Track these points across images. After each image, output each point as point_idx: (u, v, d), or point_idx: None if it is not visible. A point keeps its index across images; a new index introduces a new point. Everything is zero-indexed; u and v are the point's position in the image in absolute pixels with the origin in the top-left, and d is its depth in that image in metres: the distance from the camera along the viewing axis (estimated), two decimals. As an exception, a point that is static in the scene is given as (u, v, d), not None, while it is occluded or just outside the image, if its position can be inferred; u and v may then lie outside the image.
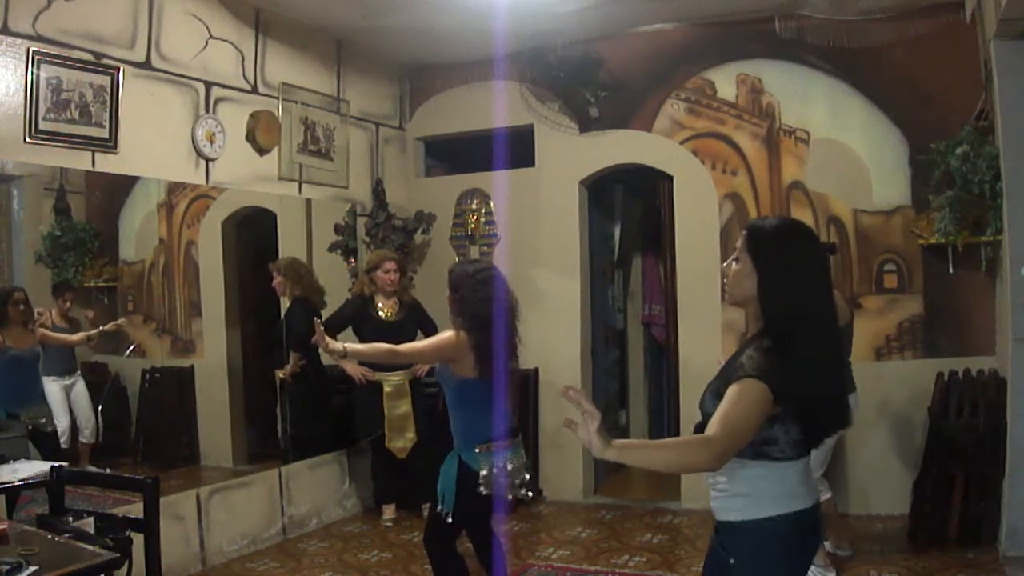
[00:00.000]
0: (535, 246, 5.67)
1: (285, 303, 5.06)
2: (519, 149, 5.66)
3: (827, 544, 3.97)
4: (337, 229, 5.49)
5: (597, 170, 5.61)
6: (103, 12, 3.91)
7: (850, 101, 4.94)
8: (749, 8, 4.97)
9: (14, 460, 3.31)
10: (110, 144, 3.89)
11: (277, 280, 5.04)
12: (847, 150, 4.95)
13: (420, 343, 3.59)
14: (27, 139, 3.58)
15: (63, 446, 4.01)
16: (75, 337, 4.17)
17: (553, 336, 5.50)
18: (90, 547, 2.36)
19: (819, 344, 1.82)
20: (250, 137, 4.70)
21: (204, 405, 4.90)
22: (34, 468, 3.20)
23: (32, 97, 3.58)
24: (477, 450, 3.07)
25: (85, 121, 3.78)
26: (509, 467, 3.09)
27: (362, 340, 4.67)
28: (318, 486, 5.15)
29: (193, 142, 4.34)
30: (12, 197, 3.94)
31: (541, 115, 5.67)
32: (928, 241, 4.64)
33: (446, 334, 3.15)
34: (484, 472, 3.05)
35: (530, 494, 3.20)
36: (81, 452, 4.18)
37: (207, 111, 4.43)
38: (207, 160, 4.43)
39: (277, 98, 4.89)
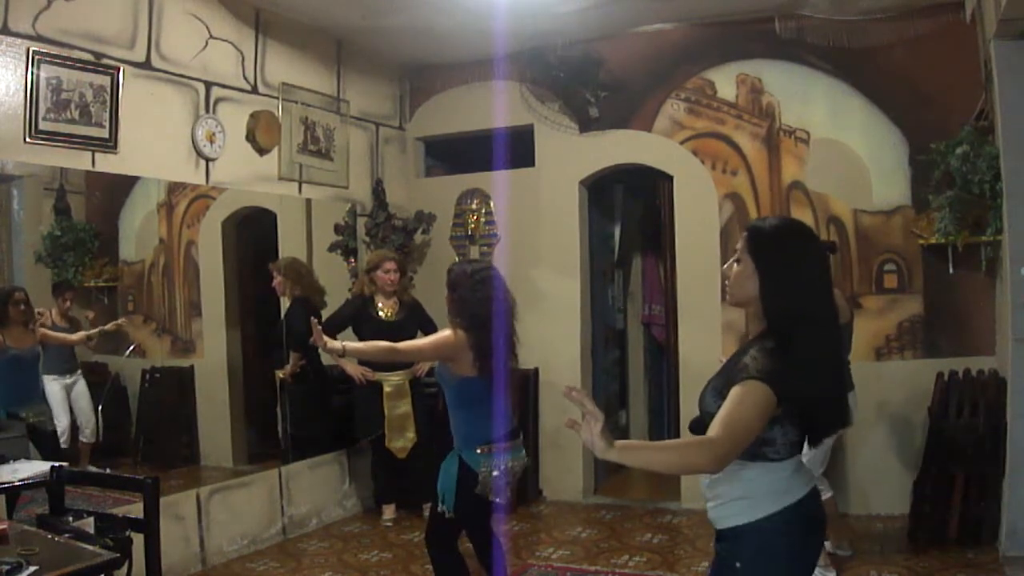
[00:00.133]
0: (535, 246, 5.67)
1: (285, 303, 5.06)
2: (519, 149, 5.66)
3: (827, 544, 3.97)
4: (337, 229, 5.49)
5: (597, 170, 5.61)
6: (103, 12, 3.91)
7: (850, 101, 4.94)
8: (749, 8, 4.97)
9: (14, 460, 3.31)
10: (110, 144, 3.89)
11: (277, 280, 5.04)
12: (847, 150, 4.95)
13: (419, 341, 3.59)
14: (27, 139, 3.58)
15: (63, 446, 4.02)
16: (75, 336, 4.17)
17: (553, 336, 5.50)
18: (90, 547, 2.36)
19: (820, 344, 1.82)
20: (250, 137, 4.70)
21: (204, 405, 4.90)
22: (34, 468, 3.20)
23: (32, 97, 3.57)
24: (478, 451, 3.07)
25: (85, 121, 3.78)
26: (510, 468, 3.10)
27: (362, 340, 4.65)
28: (318, 486, 5.15)
29: (193, 142, 4.34)
30: (12, 197, 3.94)
31: (541, 115, 5.67)
32: (928, 241, 4.64)
33: (445, 333, 3.15)
34: (484, 473, 3.05)
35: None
36: (81, 452, 4.18)
37: (207, 111, 4.43)
38: (207, 160, 4.43)
39: (277, 98, 4.89)
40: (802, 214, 4.97)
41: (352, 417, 5.15)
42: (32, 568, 2.05)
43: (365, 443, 5.18)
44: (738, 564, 1.86)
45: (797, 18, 4.99)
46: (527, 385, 5.55)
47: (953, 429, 4.29)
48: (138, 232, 4.48)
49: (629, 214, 6.64)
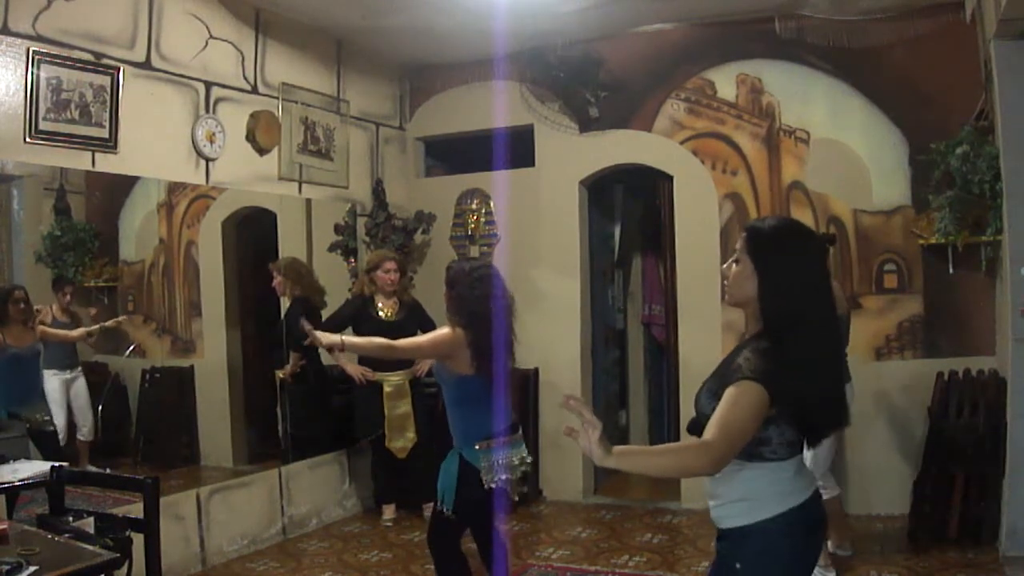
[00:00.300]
0: (535, 246, 5.67)
1: (285, 303, 5.06)
2: (519, 149, 5.66)
3: (828, 544, 3.97)
4: (337, 229, 5.49)
5: (597, 170, 5.61)
6: (103, 12, 3.91)
7: (850, 101, 4.94)
8: (749, 8, 4.97)
9: (14, 460, 3.31)
10: (110, 144, 3.89)
11: (277, 280, 5.04)
12: (847, 150, 4.95)
13: (417, 338, 3.59)
14: (27, 139, 3.58)
15: (60, 443, 4.01)
16: (75, 333, 4.16)
17: (553, 336, 5.50)
18: (90, 547, 2.36)
19: (819, 344, 1.82)
20: (250, 137, 4.70)
21: (204, 405, 4.90)
22: (34, 468, 3.20)
23: (32, 97, 3.58)
24: (477, 447, 3.08)
25: (85, 121, 3.78)
26: (509, 463, 3.10)
27: (362, 340, 4.67)
28: (318, 486, 5.15)
29: (193, 142, 4.34)
30: (12, 197, 3.94)
31: (541, 115, 5.67)
32: (928, 241, 4.64)
33: (443, 330, 3.16)
34: (484, 468, 3.06)
35: (524, 489, 3.20)
36: (80, 450, 4.18)
37: (207, 111, 4.43)
38: (207, 160, 4.43)
39: (277, 98, 4.89)
40: (802, 214, 4.97)
41: (352, 417, 5.15)
42: (32, 568, 2.05)
43: (365, 443, 5.18)
44: (738, 565, 1.86)
45: (797, 18, 4.99)
46: (527, 385, 5.55)
47: (953, 429, 4.29)
48: (138, 232, 4.48)
49: (629, 214, 6.64)
